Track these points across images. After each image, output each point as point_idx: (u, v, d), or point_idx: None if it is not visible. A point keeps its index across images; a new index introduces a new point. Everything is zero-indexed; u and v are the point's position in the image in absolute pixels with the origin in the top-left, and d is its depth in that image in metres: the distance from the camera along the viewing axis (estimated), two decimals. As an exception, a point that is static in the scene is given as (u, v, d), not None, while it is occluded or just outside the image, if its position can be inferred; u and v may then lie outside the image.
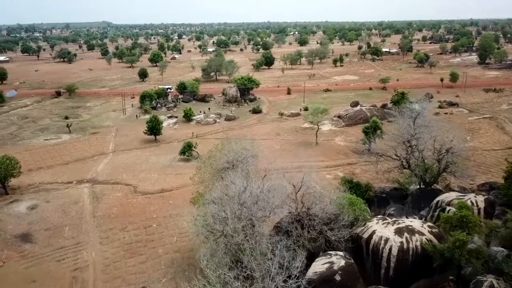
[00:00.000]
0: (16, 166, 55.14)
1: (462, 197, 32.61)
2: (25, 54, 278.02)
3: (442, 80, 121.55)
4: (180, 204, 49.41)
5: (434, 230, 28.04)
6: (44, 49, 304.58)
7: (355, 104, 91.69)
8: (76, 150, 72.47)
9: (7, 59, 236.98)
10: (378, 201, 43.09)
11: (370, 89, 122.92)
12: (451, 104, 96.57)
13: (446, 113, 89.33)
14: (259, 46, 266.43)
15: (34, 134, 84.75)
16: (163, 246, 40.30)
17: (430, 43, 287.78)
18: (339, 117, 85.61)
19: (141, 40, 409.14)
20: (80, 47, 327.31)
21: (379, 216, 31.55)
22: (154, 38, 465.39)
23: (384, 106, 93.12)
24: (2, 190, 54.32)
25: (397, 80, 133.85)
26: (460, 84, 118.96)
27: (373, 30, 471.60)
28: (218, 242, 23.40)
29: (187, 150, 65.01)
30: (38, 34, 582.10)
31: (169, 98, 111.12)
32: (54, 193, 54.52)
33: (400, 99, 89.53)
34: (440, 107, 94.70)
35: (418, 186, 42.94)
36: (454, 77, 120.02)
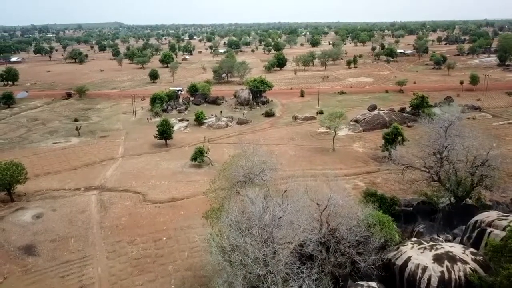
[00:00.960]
0: (23, 172, 53.23)
1: (505, 217, 29.28)
2: (37, 54, 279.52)
3: (462, 82, 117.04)
4: (191, 215, 46.83)
5: (478, 257, 24.83)
6: (56, 50, 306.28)
7: (372, 108, 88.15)
8: (85, 155, 70.47)
9: (19, 59, 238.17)
10: (405, 216, 39.89)
11: (387, 91, 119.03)
12: (474, 108, 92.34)
13: (468, 118, 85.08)
14: (271, 47, 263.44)
15: (42, 137, 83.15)
16: (174, 263, 37.68)
17: (446, 44, 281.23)
18: (356, 121, 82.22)
19: (152, 40, 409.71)
20: (92, 47, 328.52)
21: (413, 239, 28.40)
22: (165, 38, 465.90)
23: (402, 110, 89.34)
24: (7, 197, 52.44)
25: (414, 82, 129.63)
26: (480, 87, 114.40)
27: (386, 31, 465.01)
28: (237, 273, 20.60)
29: (198, 156, 62.48)
30: (51, 35, 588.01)
31: (180, 100, 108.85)
32: (60, 200, 52.42)
33: (419, 103, 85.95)
34: (462, 111, 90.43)
35: (449, 201, 39.56)
36: (474, 80, 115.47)
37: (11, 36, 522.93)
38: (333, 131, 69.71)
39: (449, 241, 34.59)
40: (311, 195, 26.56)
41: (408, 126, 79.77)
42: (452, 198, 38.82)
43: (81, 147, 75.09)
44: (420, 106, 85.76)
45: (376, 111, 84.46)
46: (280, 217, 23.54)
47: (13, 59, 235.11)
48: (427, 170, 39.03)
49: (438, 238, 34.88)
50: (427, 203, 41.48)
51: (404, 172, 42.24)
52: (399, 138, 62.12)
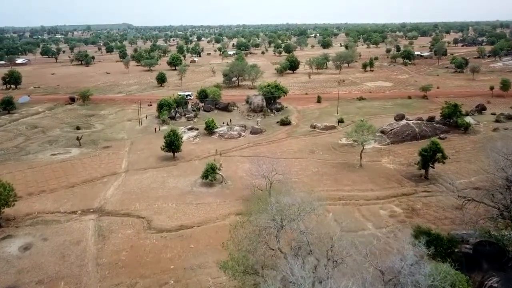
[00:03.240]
0: (11, 194, 46.78)
1: None
2: (44, 56, 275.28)
3: (492, 88, 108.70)
4: (203, 249, 39.90)
5: None
6: (63, 51, 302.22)
7: (400, 117, 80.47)
8: (85, 169, 63.89)
9: (25, 61, 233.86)
10: (467, 261, 32.46)
11: (409, 97, 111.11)
12: (510, 118, 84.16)
13: (506, 129, 77.16)
14: (281, 49, 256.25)
15: (41, 147, 76.89)
16: (183, 319, 30.72)
17: (463, 45, 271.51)
18: (382, 132, 74.60)
19: (160, 42, 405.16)
20: (99, 49, 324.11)
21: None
22: (173, 40, 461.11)
23: (431, 119, 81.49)
24: (-6, 223, 45.99)
25: (438, 87, 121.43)
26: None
27: (397, 32, 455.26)
28: None
29: (210, 174, 55.49)
30: (59, 36, 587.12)
31: (189, 106, 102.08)
32: (53, 227, 45.80)
33: (452, 112, 78.17)
34: (497, 121, 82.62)
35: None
36: (505, 85, 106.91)
37: (20, 37, 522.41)
38: (360, 144, 62.22)
39: (534, 302, 27.09)
40: (372, 259, 19.23)
41: (441, 138, 71.89)
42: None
43: (81, 160, 68.57)
44: (452, 115, 78.05)
45: (404, 121, 76.81)
46: None
47: (19, 61, 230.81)
48: (496, 206, 31.54)
49: (519, 297, 27.36)
50: (491, 242, 33.97)
51: (464, 206, 34.91)
52: (439, 155, 54.59)
